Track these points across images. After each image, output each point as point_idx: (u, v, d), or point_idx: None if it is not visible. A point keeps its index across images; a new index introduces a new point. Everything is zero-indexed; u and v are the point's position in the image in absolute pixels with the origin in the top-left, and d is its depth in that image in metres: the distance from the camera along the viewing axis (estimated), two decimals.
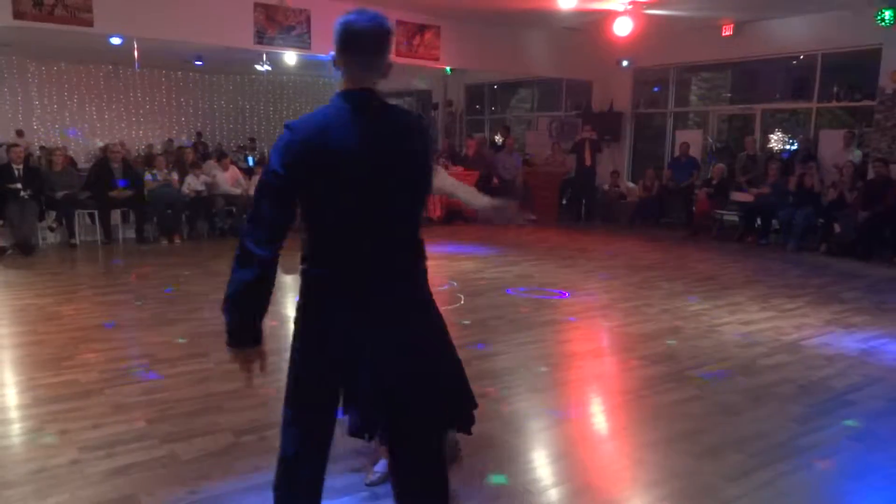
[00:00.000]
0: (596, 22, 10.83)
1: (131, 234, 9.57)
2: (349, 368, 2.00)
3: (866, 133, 10.48)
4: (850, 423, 3.66)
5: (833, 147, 10.47)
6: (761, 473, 3.05)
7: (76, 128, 16.69)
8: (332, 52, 1.97)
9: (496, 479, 2.98)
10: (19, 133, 14.70)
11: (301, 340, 2.08)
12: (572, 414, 3.79)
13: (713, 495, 2.88)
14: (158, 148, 15.70)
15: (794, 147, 11.80)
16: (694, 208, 11.14)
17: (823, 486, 3.03)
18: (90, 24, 8.64)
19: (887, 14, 9.38)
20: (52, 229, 9.24)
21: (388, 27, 1.95)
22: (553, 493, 2.90)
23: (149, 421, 3.49)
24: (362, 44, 1.92)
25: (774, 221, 10.23)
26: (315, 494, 2.09)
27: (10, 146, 9.39)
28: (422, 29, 11.24)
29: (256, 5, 9.82)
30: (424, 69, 12.98)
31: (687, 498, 2.86)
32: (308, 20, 10.28)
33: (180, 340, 4.88)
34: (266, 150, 18.45)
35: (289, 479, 2.08)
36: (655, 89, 13.69)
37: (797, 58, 11.39)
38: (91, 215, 9.34)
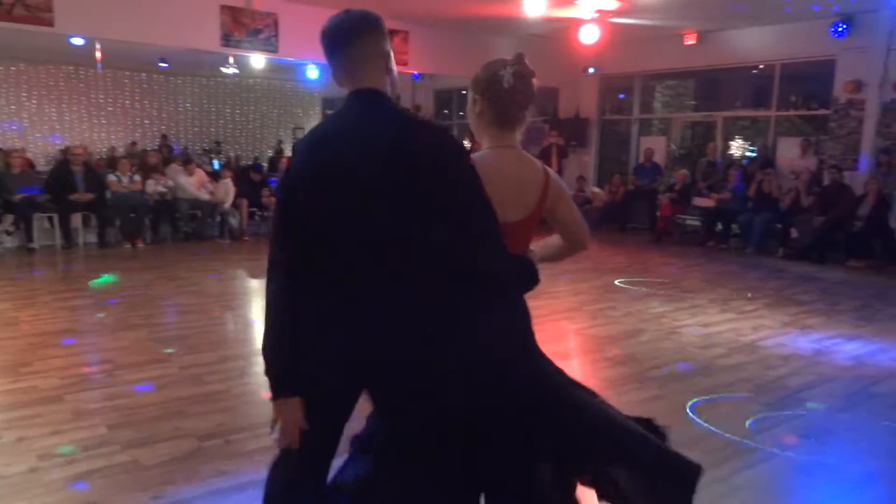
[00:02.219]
0: (562, 29, 10.98)
1: (92, 238, 9.41)
2: None
3: (822, 141, 10.79)
4: (812, 405, 3.78)
5: (790, 154, 10.77)
6: (717, 470, 3.13)
7: (59, 134, 16.35)
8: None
9: None
10: None
11: None
12: None
13: None
14: (121, 150, 15.44)
15: (754, 154, 12.09)
16: (657, 213, 11.34)
17: (777, 482, 3.12)
18: (51, 24, 8.49)
19: (841, 26, 9.69)
20: (9, 233, 9.03)
21: (353, 17, 1.74)
22: None
23: (110, 427, 3.45)
24: (324, 43, 1.77)
25: (734, 226, 10.47)
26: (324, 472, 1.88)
27: None
28: (390, 34, 11.14)
29: (223, 7, 9.74)
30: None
31: None
32: (276, 23, 10.24)
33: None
34: (232, 154, 18.30)
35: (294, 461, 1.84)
36: (621, 96, 13.92)
37: (757, 67, 11.69)
38: (50, 219, 9.16)
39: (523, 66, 1.95)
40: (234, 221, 10.19)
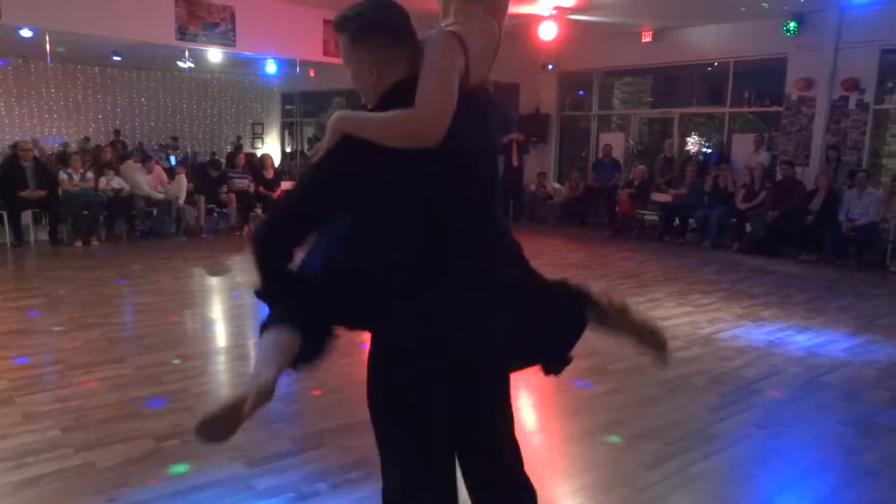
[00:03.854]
0: (521, 26, 11.03)
1: (44, 236, 9.14)
2: None
3: (774, 137, 11.07)
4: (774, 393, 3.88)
5: (745, 150, 11.03)
6: (676, 460, 3.20)
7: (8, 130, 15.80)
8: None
9: None
10: None
11: None
12: None
13: (631, 483, 3.00)
14: (74, 146, 15.01)
15: (710, 150, 12.35)
16: (617, 208, 11.49)
17: (732, 471, 3.20)
18: None
19: (792, 25, 9.95)
20: None
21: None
22: None
23: (63, 429, 3.36)
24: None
25: (691, 221, 10.68)
26: None
27: None
28: (325, 25, 11.13)
29: (178, 0, 9.55)
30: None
31: (606, 486, 2.98)
32: (232, 17, 10.08)
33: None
34: (189, 150, 17.94)
35: None
36: (580, 93, 14.06)
37: (712, 65, 11.92)
38: None
39: None
40: (190, 218, 10.00)
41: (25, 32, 9.89)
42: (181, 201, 9.90)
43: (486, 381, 1.81)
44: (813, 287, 7.41)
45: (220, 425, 1.55)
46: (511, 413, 1.90)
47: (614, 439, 3.42)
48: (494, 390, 1.84)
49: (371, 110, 1.64)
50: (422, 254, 1.60)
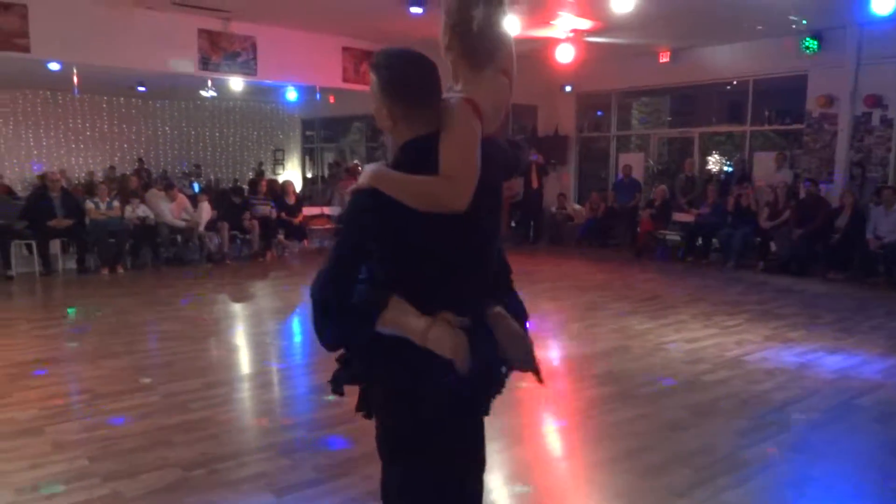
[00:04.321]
0: (539, 49, 11.09)
1: (72, 264, 9.29)
2: None
3: (797, 154, 10.97)
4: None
5: (766, 168, 10.94)
6: (706, 488, 3.14)
7: (35, 160, 16.20)
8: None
9: None
10: None
11: None
12: (524, 436, 3.83)
13: None
14: (100, 175, 15.30)
15: (731, 168, 12.27)
16: (638, 229, 11.43)
17: (765, 499, 3.12)
18: (27, 49, 8.43)
19: (811, 43, 9.90)
20: None
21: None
22: None
23: (91, 458, 3.38)
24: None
25: (714, 240, 10.57)
26: None
27: None
28: (368, 55, 11.24)
29: (200, 31, 9.74)
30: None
31: None
32: (254, 46, 10.26)
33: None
34: (212, 177, 18.20)
35: None
36: (598, 114, 14.07)
37: (731, 83, 11.88)
38: (28, 245, 9.03)
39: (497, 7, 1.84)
40: (211, 245, 10.09)
41: (54, 66, 10.17)
42: (201, 228, 10.01)
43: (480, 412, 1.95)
44: (842, 307, 7.28)
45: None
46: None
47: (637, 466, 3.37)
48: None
49: (393, 163, 1.76)
50: (420, 299, 1.71)
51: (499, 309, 1.89)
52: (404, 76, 1.74)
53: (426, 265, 1.74)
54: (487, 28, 1.82)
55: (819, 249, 9.20)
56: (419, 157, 1.70)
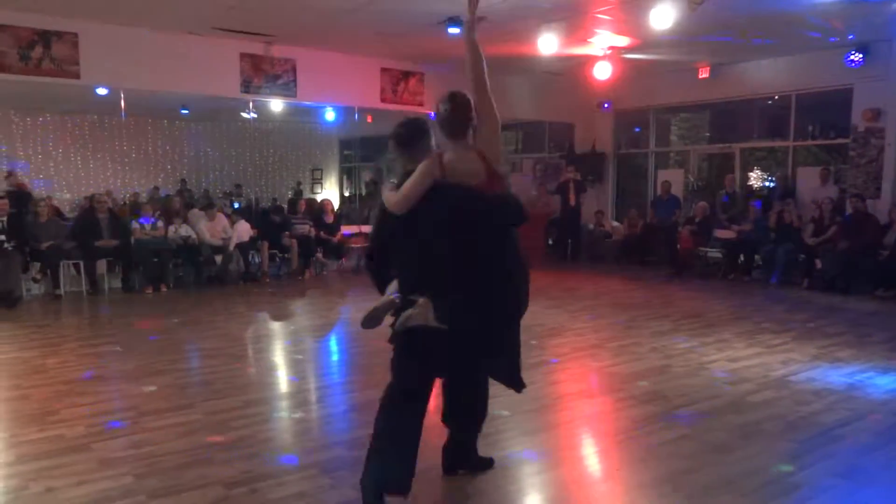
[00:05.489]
0: (576, 66, 11.10)
1: (117, 283, 9.53)
2: None
3: (842, 170, 10.72)
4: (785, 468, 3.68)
5: (811, 183, 10.70)
6: None
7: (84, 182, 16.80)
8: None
9: None
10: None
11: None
12: (564, 457, 3.78)
13: None
14: (144, 196, 15.69)
15: (773, 184, 12.03)
16: (678, 246, 11.26)
17: None
18: (77, 76, 8.74)
19: (857, 56, 9.69)
20: (36, 280, 9.16)
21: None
22: None
23: (136, 476, 3.44)
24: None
25: (757, 258, 10.36)
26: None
27: None
28: (406, 75, 11.46)
29: (243, 55, 9.98)
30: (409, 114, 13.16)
31: None
32: (294, 69, 10.46)
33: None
34: (253, 196, 18.52)
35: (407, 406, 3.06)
36: (636, 130, 13.97)
37: (772, 98, 11.69)
38: (76, 265, 9.29)
39: (453, 101, 3.09)
40: (241, 265, 10.14)
41: (101, 91, 10.50)
42: (231, 247, 10.10)
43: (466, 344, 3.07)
44: (892, 325, 7.06)
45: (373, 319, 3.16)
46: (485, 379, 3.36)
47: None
48: (474, 353, 3.14)
49: (399, 181, 3.09)
50: (420, 271, 3.03)
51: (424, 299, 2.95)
52: (405, 139, 3.18)
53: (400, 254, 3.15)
54: (450, 112, 3.08)
55: (867, 266, 8.95)
56: (403, 180, 3.04)
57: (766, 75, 11.14)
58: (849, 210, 9.60)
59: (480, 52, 3.10)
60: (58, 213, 11.92)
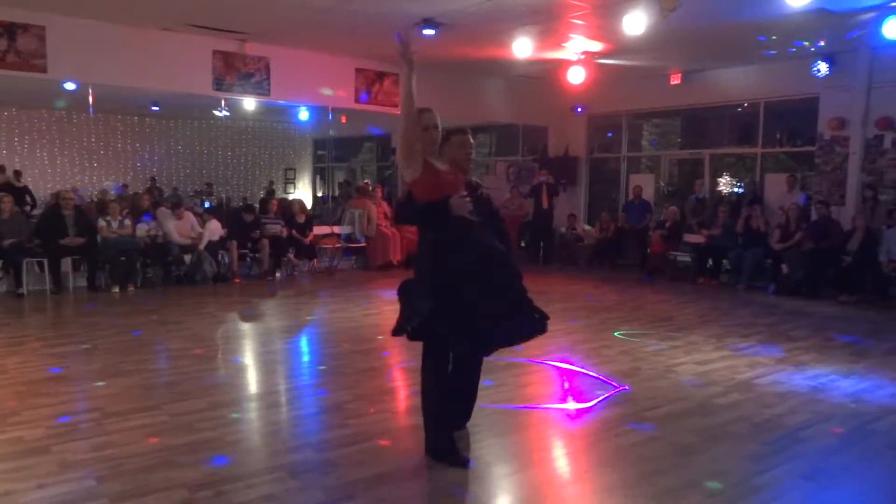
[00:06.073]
0: (550, 70, 11.16)
1: (82, 282, 9.34)
2: None
3: (808, 176, 10.93)
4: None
5: (778, 190, 10.90)
6: None
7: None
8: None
9: None
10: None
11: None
12: (535, 459, 3.79)
13: None
14: (112, 194, 15.41)
15: (742, 190, 12.23)
16: (648, 250, 11.38)
17: None
18: (43, 70, 8.57)
19: (823, 66, 9.90)
20: None
21: None
22: None
23: (99, 479, 3.36)
24: None
25: (725, 262, 10.52)
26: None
27: None
28: (380, 76, 11.42)
29: (215, 52, 9.87)
30: (382, 115, 13.11)
31: None
32: (267, 67, 10.37)
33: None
34: (224, 195, 18.31)
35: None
36: (609, 135, 14.10)
37: (741, 105, 11.89)
38: (40, 263, 9.09)
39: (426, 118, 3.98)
40: (208, 268, 10.00)
41: (69, 85, 10.30)
42: (201, 247, 9.97)
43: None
44: (855, 330, 7.21)
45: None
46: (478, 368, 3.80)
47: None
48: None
49: None
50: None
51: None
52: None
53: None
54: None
55: (831, 272, 9.13)
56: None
57: (736, 83, 11.33)
58: (814, 216, 9.79)
59: (414, 94, 3.82)
60: (23, 208, 11.66)
